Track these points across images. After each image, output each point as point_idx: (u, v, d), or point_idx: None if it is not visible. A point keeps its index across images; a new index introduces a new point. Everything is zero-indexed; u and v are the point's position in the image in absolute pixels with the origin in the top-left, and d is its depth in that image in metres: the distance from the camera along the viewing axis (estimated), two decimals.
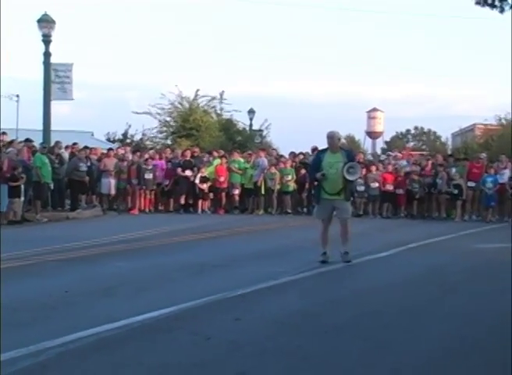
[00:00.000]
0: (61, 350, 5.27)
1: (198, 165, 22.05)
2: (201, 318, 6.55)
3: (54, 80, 22.66)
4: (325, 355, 5.32)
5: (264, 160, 22.35)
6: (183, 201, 21.79)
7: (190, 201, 22.00)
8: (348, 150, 10.71)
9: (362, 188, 21.33)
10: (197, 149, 24.39)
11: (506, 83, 66.12)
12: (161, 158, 22.56)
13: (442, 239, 14.54)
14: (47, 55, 21.92)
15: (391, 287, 8.55)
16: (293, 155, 23.49)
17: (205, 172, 21.79)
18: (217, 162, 22.27)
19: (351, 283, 8.89)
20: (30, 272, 9.21)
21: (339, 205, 10.23)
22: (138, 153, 22.81)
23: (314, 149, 23.31)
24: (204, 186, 21.62)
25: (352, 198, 10.70)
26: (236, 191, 22.00)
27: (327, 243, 10.11)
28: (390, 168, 22.03)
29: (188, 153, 22.56)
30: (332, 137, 10.31)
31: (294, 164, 22.45)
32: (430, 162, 22.34)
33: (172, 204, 21.97)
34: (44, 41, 21.78)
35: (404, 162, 22.75)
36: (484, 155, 23.04)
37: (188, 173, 21.65)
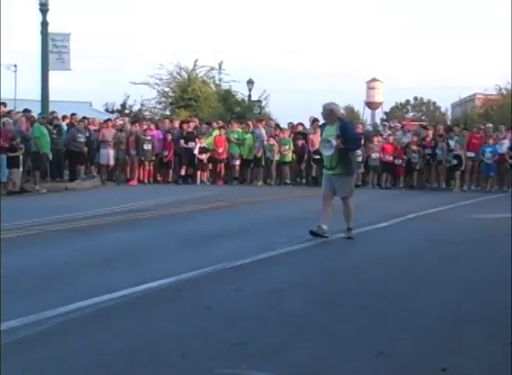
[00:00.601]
0: (62, 319, 5.29)
1: (197, 136, 22.01)
2: (201, 288, 6.58)
3: (51, 50, 22.52)
4: (324, 324, 5.35)
5: (262, 131, 22.29)
6: (183, 172, 21.81)
7: (190, 172, 22.02)
8: (344, 121, 10.14)
9: (359, 159, 21.32)
10: (196, 120, 24.31)
11: (506, 53, 65.66)
12: (157, 129, 22.50)
13: (441, 209, 14.57)
14: (44, 24, 21.74)
15: (390, 257, 8.58)
16: (291, 125, 23.43)
17: (204, 142, 21.76)
18: (216, 132, 22.22)
19: (350, 253, 8.92)
20: (30, 242, 9.23)
21: (337, 182, 9.84)
22: (137, 124, 22.75)
23: (314, 120, 23.27)
24: (204, 156, 21.60)
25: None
26: (237, 162, 22.00)
27: (323, 217, 9.79)
28: (390, 139, 21.99)
29: (191, 124, 22.50)
30: (324, 109, 9.95)
31: (292, 134, 22.40)
32: (430, 132, 22.30)
33: (172, 175, 21.97)
34: (41, 9, 21.58)
35: (402, 133, 22.69)
36: (490, 125, 22.91)
37: (191, 144, 21.62)
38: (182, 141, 21.66)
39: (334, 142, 9.58)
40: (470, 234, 10.76)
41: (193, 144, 21.63)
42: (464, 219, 12.91)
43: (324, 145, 9.74)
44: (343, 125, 9.91)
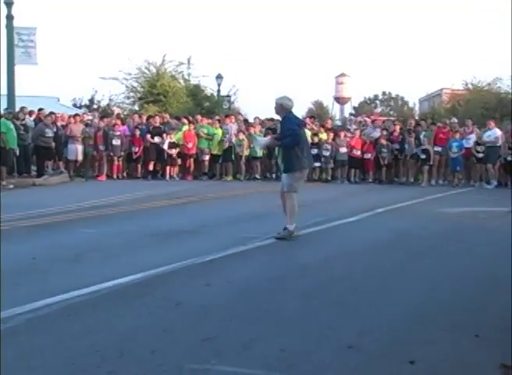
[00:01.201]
0: (30, 316, 5.25)
1: (167, 131, 21.92)
2: (171, 284, 6.57)
3: (17, 44, 22.26)
4: (294, 319, 5.37)
5: (231, 126, 22.28)
6: (151, 167, 21.72)
7: (158, 168, 21.94)
8: (284, 116, 9.59)
9: (328, 153, 21.44)
10: (166, 115, 24.21)
11: (473, 48, 66.49)
12: (123, 124, 22.35)
13: (409, 204, 14.70)
14: (9, 18, 21.47)
15: (359, 252, 8.64)
16: (259, 120, 23.39)
17: (174, 138, 21.68)
18: (185, 128, 22.16)
19: (320, 248, 8.96)
20: None
21: (282, 178, 9.80)
22: (105, 119, 22.58)
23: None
24: (173, 152, 21.53)
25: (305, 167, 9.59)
26: (206, 157, 21.96)
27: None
28: (358, 133, 22.11)
29: (157, 119, 22.39)
30: (275, 103, 9.63)
31: (263, 129, 22.40)
32: (398, 127, 22.47)
33: (140, 170, 21.87)
34: (6, 3, 21.31)
35: (372, 128, 22.83)
36: (455, 119, 23.19)
37: (157, 139, 21.53)
38: (148, 136, 21.57)
39: (262, 140, 9.66)
40: (438, 229, 10.87)
41: (160, 138, 21.54)
42: (432, 213, 13.03)
43: (253, 143, 9.74)
44: (282, 120, 9.80)
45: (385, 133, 21.87)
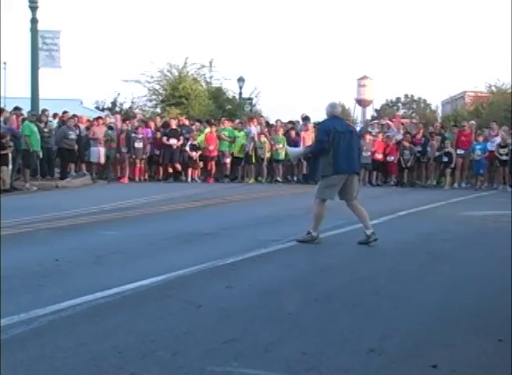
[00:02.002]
0: (53, 317, 5.29)
1: (186, 134, 21.98)
2: (192, 286, 6.58)
3: (41, 48, 22.43)
4: (315, 321, 5.36)
5: (253, 129, 22.30)
6: (170, 169, 21.77)
7: (179, 170, 21.98)
8: (319, 122, 9.72)
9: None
10: (182, 118, 24.27)
11: (497, 50, 66.00)
12: (147, 127, 22.44)
13: (431, 207, 14.61)
14: (34, 21, 21.66)
15: (380, 254, 8.60)
16: (280, 122, 23.40)
17: (196, 140, 21.74)
18: (207, 130, 22.21)
19: (341, 251, 8.93)
20: (20, 240, 9.19)
21: None
22: (128, 121, 22.71)
23: (305, 118, 23.30)
24: (195, 154, 21.58)
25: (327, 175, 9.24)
26: (228, 160, 21.98)
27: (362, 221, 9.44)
28: (380, 136, 22.02)
29: (173, 122, 22.39)
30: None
31: (285, 131, 22.40)
32: (421, 130, 22.36)
33: (162, 173, 21.94)
34: (30, 7, 21.50)
35: (395, 131, 22.74)
36: (473, 122, 23.03)
37: (172, 141, 21.56)
38: (164, 138, 21.65)
39: (294, 152, 10.17)
40: (460, 232, 10.79)
41: (175, 141, 21.58)
42: (455, 216, 12.94)
43: (288, 156, 9.84)
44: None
45: (407, 135, 21.76)
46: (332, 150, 9.12)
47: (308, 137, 21.75)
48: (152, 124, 22.96)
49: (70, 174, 20.20)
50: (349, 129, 9.67)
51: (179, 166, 21.78)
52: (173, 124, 22.22)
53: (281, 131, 22.19)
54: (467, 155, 20.98)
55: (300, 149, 9.69)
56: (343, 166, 9.20)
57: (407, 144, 21.27)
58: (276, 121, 23.74)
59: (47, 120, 20.13)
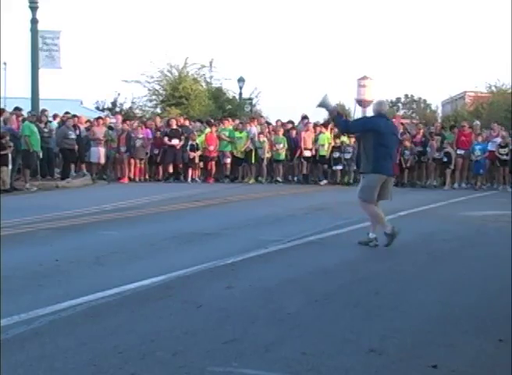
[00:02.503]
0: (53, 318, 5.29)
1: (186, 133, 21.97)
2: (192, 286, 6.58)
3: (41, 48, 22.43)
4: (315, 322, 5.36)
5: (252, 129, 22.29)
6: (171, 169, 21.77)
7: (179, 170, 21.98)
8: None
9: (349, 156, 21.38)
10: (181, 118, 24.26)
11: (497, 50, 66.02)
12: (146, 127, 22.43)
13: (432, 207, 14.61)
14: (34, 22, 21.66)
15: (381, 254, 8.60)
16: (281, 122, 23.42)
17: (196, 140, 21.74)
18: (207, 130, 22.20)
19: (341, 251, 8.94)
20: (21, 240, 9.20)
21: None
22: (128, 122, 22.70)
23: (304, 117, 23.31)
24: (195, 154, 21.57)
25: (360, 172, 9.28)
26: (228, 160, 21.98)
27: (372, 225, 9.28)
28: None
29: (173, 122, 22.39)
30: None
31: (285, 131, 22.40)
32: (421, 130, 22.37)
33: (162, 173, 21.94)
34: (30, 7, 21.50)
35: None
36: (478, 122, 23.01)
37: (174, 141, 21.57)
38: (165, 139, 21.64)
39: (326, 100, 9.21)
40: (460, 232, 10.80)
41: (177, 141, 21.58)
42: (455, 216, 12.94)
43: (322, 99, 9.23)
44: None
45: (407, 135, 21.76)
46: (372, 148, 8.98)
47: (308, 137, 21.76)
48: (152, 124, 22.94)
49: (70, 174, 20.19)
50: (392, 130, 9.51)
51: (181, 166, 21.79)
52: (174, 124, 22.19)
53: (281, 131, 22.19)
54: (467, 156, 20.98)
55: (333, 105, 9.33)
56: (383, 167, 9.06)
57: (408, 143, 21.25)
58: (276, 121, 23.74)
59: (46, 120, 20.13)
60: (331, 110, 9.37)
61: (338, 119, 9.42)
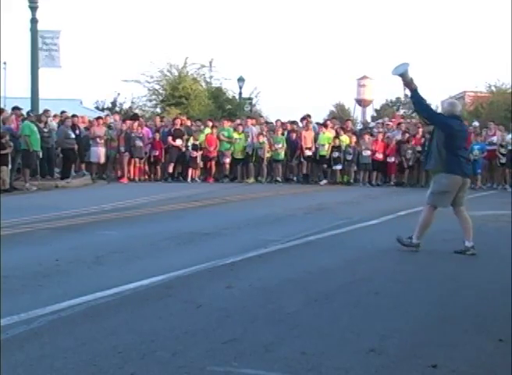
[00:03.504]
0: (53, 318, 5.29)
1: (189, 133, 21.93)
2: (192, 286, 6.57)
3: (41, 48, 22.43)
4: (315, 322, 5.36)
5: (252, 129, 22.28)
6: (171, 169, 21.74)
7: (179, 170, 21.96)
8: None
9: (350, 157, 21.38)
10: (183, 118, 24.25)
11: (497, 49, 66.06)
12: (147, 126, 22.39)
13: None
14: (33, 21, 21.65)
15: (381, 254, 8.59)
16: (280, 122, 23.40)
17: (198, 140, 21.72)
18: (207, 131, 22.17)
19: (341, 251, 8.93)
20: (20, 240, 9.19)
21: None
22: (128, 121, 22.68)
23: (304, 117, 23.28)
24: (196, 154, 21.56)
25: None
26: (227, 160, 21.96)
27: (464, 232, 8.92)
28: (380, 137, 22.00)
29: (178, 122, 22.38)
30: None
31: (285, 132, 22.38)
32: (420, 130, 22.34)
33: (161, 172, 21.91)
34: (30, 7, 21.49)
35: (395, 131, 22.73)
36: (476, 123, 23.02)
37: (178, 142, 21.56)
38: (170, 138, 21.61)
39: (405, 67, 8.50)
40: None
41: (181, 141, 21.56)
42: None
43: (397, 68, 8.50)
44: None
45: (408, 135, 21.74)
46: (445, 148, 8.48)
47: (309, 136, 21.76)
48: (152, 124, 22.92)
49: (71, 174, 20.18)
50: (466, 134, 9.14)
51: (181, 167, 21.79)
52: (178, 124, 22.10)
53: (280, 131, 22.18)
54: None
55: (410, 78, 8.73)
56: (458, 167, 8.61)
57: (408, 144, 21.20)
58: (276, 121, 23.73)
59: (46, 120, 20.11)
60: (410, 82, 8.56)
61: (419, 95, 8.63)
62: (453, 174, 8.52)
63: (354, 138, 21.87)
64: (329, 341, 4.84)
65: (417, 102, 8.72)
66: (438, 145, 8.59)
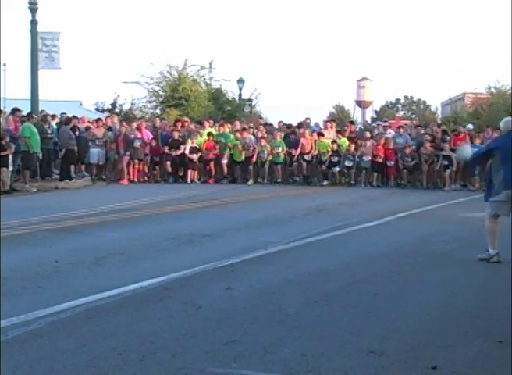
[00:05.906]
0: (52, 319, 5.29)
1: (188, 136, 21.86)
2: (192, 287, 6.58)
3: (41, 49, 22.43)
4: (315, 323, 5.36)
5: (251, 138, 22.17)
6: (169, 169, 21.61)
7: (181, 173, 21.89)
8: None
9: (351, 164, 21.39)
10: (186, 119, 24.19)
11: (497, 51, 66.08)
12: (145, 128, 22.29)
13: (431, 208, 14.60)
14: (33, 23, 21.65)
15: (380, 256, 8.59)
16: (282, 123, 23.40)
17: (195, 143, 21.67)
18: (206, 133, 22.07)
19: (341, 252, 8.94)
20: (20, 242, 9.19)
21: None
22: (126, 123, 22.64)
23: (300, 124, 23.28)
24: (194, 156, 21.53)
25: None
26: (225, 161, 21.88)
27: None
28: (382, 141, 21.91)
29: (176, 134, 21.91)
30: None
31: (283, 134, 22.35)
32: (414, 130, 22.34)
33: (160, 173, 21.83)
34: (30, 8, 21.49)
35: (393, 133, 22.70)
36: (470, 126, 23.02)
37: (175, 152, 21.42)
38: (166, 148, 21.43)
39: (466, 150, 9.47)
40: (460, 233, 10.79)
41: (178, 152, 21.43)
42: (454, 217, 12.93)
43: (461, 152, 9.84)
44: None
45: (410, 142, 21.66)
46: (502, 167, 8.33)
47: (307, 144, 21.73)
48: (151, 126, 22.86)
49: (72, 176, 20.16)
50: None
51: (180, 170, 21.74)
52: (176, 135, 21.81)
53: (279, 135, 22.13)
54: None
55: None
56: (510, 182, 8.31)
57: (408, 151, 21.10)
58: (278, 123, 23.76)
59: (46, 121, 20.10)
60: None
61: (475, 157, 9.16)
62: (507, 190, 8.33)
63: (353, 146, 21.79)
64: (329, 343, 4.84)
65: (474, 159, 9.34)
66: (493, 170, 8.54)
